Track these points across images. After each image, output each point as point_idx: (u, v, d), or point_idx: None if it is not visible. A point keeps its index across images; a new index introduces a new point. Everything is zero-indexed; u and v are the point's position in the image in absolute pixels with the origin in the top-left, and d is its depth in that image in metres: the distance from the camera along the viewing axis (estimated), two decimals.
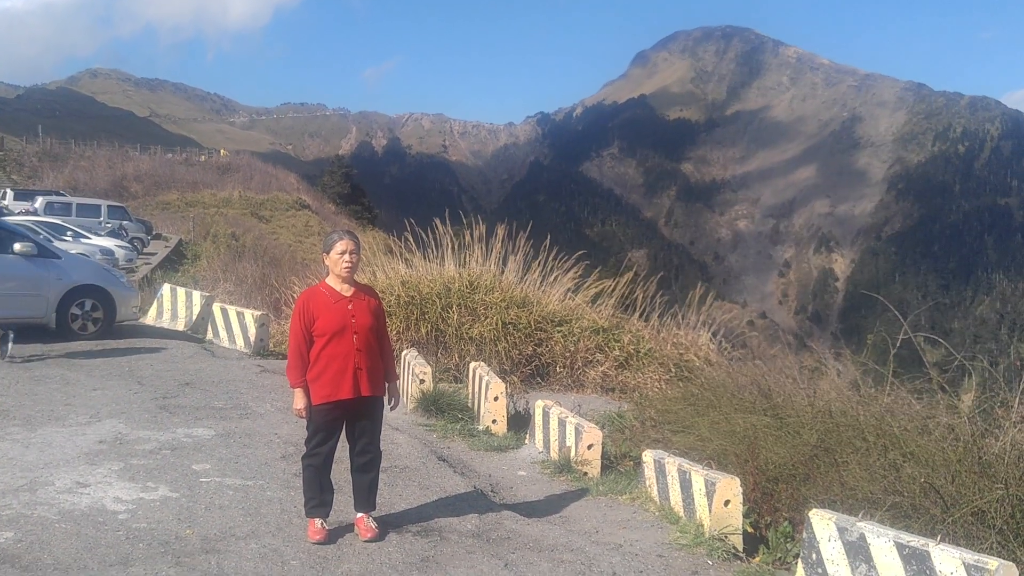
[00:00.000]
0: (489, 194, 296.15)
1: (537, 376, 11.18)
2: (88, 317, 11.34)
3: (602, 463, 7.01)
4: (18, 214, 31.49)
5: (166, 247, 34.77)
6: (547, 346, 11.17)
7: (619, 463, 7.37)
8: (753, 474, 5.95)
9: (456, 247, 12.46)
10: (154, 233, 42.28)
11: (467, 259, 12.53)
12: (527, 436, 7.91)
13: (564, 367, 11.12)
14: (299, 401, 4.82)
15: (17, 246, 10.80)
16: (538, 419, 7.69)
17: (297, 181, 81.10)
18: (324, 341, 4.79)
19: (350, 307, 4.85)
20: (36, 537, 4.53)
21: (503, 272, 12.30)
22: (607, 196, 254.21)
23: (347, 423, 4.96)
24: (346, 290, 4.91)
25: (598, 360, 11.12)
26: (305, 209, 67.26)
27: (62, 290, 11.12)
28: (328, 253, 4.92)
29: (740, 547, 5.37)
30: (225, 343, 12.44)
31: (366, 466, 5.03)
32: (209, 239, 32.85)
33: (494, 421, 8.22)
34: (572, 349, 11.11)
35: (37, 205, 32.08)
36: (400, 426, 7.96)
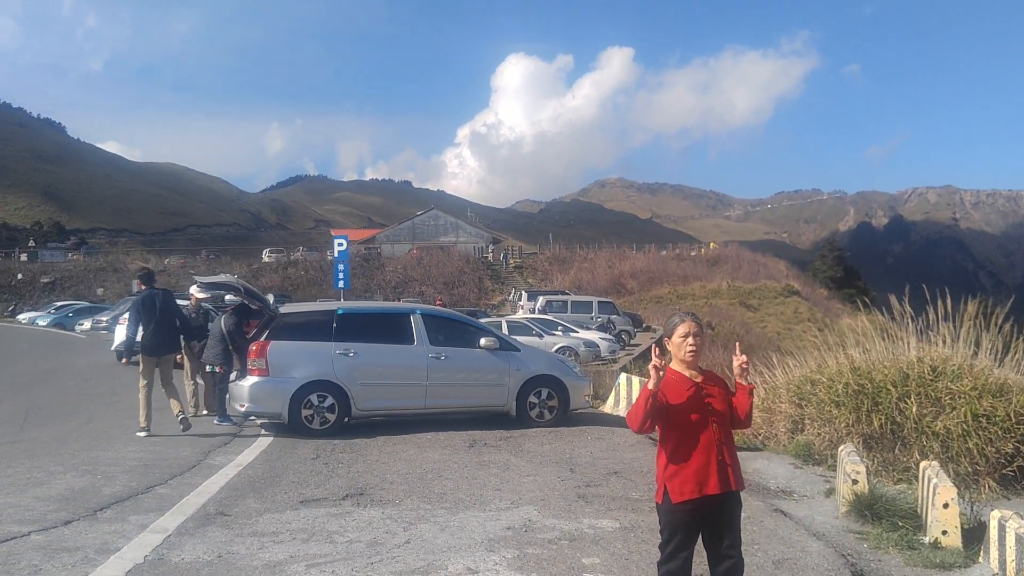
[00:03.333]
0: (1012, 268, 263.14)
1: (1022, 480, 9.25)
2: (544, 405, 12.05)
3: None
4: (523, 312, 35.33)
5: (652, 339, 36.30)
6: None
7: None
8: None
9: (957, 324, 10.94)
10: (644, 326, 44.47)
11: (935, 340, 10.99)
12: (981, 552, 6.48)
13: None
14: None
15: (483, 341, 11.94)
16: (992, 533, 6.26)
17: (787, 268, 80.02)
18: (681, 431, 4.39)
19: (703, 393, 4.41)
20: None
21: (975, 354, 10.54)
22: None
23: (706, 526, 4.45)
24: (695, 376, 4.48)
25: None
26: (794, 296, 65.93)
27: (521, 380, 12.00)
28: (670, 337, 4.54)
29: None
30: None
31: (727, 574, 4.45)
32: None
33: (944, 532, 6.89)
34: None
35: (539, 304, 35.62)
36: (822, 532, 7.05)
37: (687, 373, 4.47)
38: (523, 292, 50.28)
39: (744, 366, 4.46)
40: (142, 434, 10.60)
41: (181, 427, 10.67)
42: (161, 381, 10.85)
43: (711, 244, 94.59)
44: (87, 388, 16.09)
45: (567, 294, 46.98)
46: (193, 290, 13.13)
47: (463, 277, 68.96)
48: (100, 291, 60.61)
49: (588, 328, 29.81)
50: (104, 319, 31.77)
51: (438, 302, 61.17)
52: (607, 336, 28.91)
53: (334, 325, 11.37)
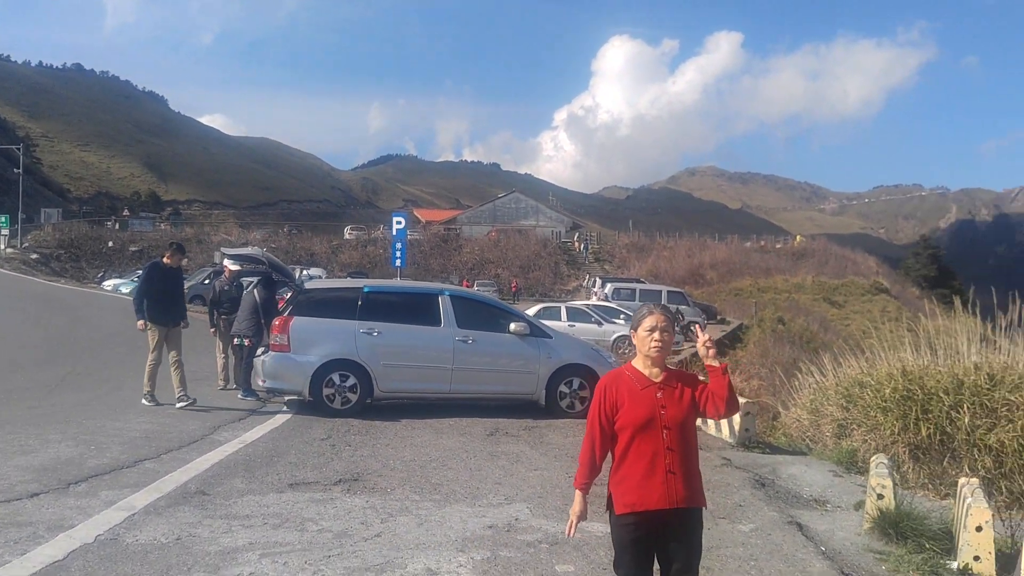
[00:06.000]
0: None
1: None
2: (575, 395, 11.57)
3: None
4: (595, 299, 34.81)
5: (722, 332, 35.31)
6: None
7: None
8: None
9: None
10: (718, 317, 43.39)
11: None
12: None
13: None
14: (576, 506, 3.97)
15: (513, 326, 11.51)
16: None
17: (877, 264, 77.20)
18: (629, 436, 3.90)
19: (659, 395, 3.90)
20: None
21: None
22: None
23: (658, 544, 3.95)
24: (656, 375, 3.97)
25: None
26: (882, 293, 63.58)
27: (552, 368, 11.54)
28: (636, 330, 4.05)
29: None
30: (712, 431, 11.74)
31: None
32: (755, 324, 32.43)
33: (976, 558, 6.18)
34: None
35: (607, 290, 34.99)
36: (838, 550, 6.40)
37: (648, 372, 3.97)
38: (597, 278, 49.55)
39: (708, 344, 3.96)
40: (147, 402, 10.55)
41: (178, 404, 10.46)
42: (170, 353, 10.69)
43: (797, 237, 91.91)
44: (134, 356, 16.25)
45: (641, 282, 46.11)
46: (227, 262, 13.04)
47: (539, 261, 68.66)
48: (184, 261, 62.17)
49: None
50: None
51: (513, 286, 61.19)
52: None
53: (359, 303, 11.09)
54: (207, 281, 26.80)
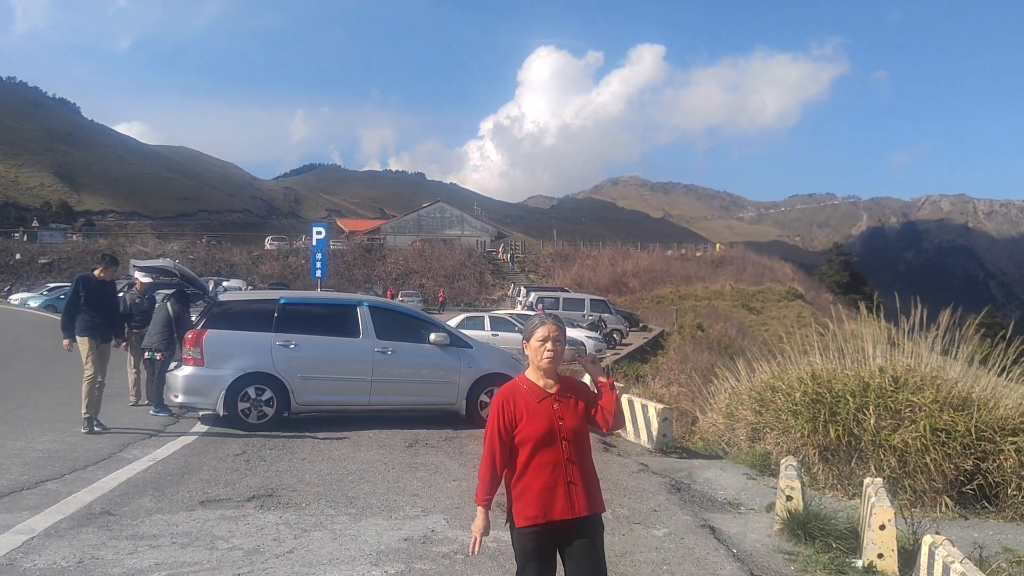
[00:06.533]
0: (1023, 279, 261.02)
1: (982, 499, 8.72)
2: None
3: None
4: (520, 308, 34.89)
5: (644, 339, 35.77)
6: (995, 461, 8.67)
7: None
8: None
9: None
10: (640, 325, 43.94)
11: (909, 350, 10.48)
12: None
13: (1020, 489, 8.50)
14: (478, 522, 3.96)
15: (433, 336, 11.47)
16: (923, 559, 5.76)
17: (792, 271, 79.21)
18: (530, 449, 3.90)
19: (556, 406, 3.92)
20: None
21: (951, 367, 10.01)
22: None
23: (562, 552, 3.96)
24: (550, 386, 3.99)
25: None
26: (798, 299, 65.23)
27: (472, 378, 11.53)
28: (528, 341, 4.06)
29: None
30: (631, 437, 11.88)
31: None
32: (676, 330, 32.96)
33: (880, 556, 6.38)
34: None
35: (531, 299, 35.13)
36: (749, 552, 6.54)
37: (542, 382, 3.98)
38: (522, 288, 49.77)
39: (595, 362, 4.02)
40: (86, 429, 9.78)
41: (84, 428, 9.80)
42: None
43: (717, 245, 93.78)
44: (43, 372, 15.71)
45: (565, 291, 46.41)
46: (137, 274, 12.68)
47: (464, 271, 68.60)
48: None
49: (578, 326, 29.23)
50: None
51: (440, 296, 60.98)
52: (595, 335, 28.38)
53: (275, 315, 10.90)
54: (120, 294, 26.03)
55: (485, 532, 3.93)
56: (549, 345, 3.92)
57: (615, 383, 4.03)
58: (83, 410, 9.82)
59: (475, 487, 3.93)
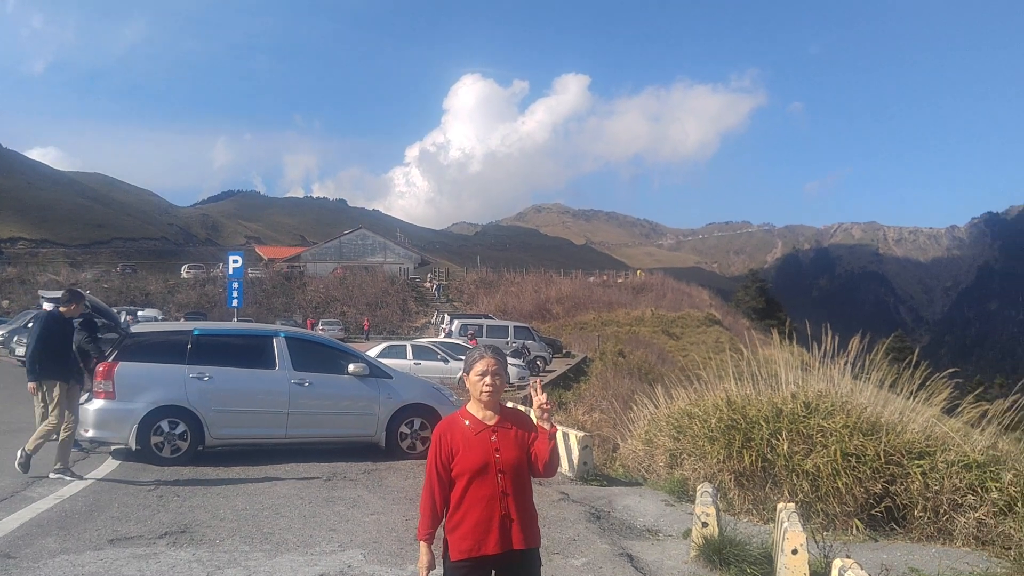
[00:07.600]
0: (931, 304, 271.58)
1: (891, 521, 9.00)
2: (417, 436, 11.50)
3: None
4: (444, 335, 34.73)
5: (567, 365, 35.99)
6: (902, 484, 8.98)
7: None
8: None
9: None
10: (564, 351, 44.20)
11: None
12: None
13: (925, 511, 8.82)
14: (423, 558, 3.93)
15: (351, 367, 11.35)
16: None
17: (710, 297, 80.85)
18: (465, 482, 3.89)
19: (493, 439, 3.92)
20: None
21: (861, 391, 10.35)
22: None
23: None
24: (489, 418, 3.99)
25: (970, 504, 8.66)
26: (716, 325, 66.51)
27: (392, 409, 11.43)
28: (468, 374, 4.05)
29: None
30: None
31: None
32: (598, 357, 33.28)
33: None
34: (936, 489, 8.80)
35: (454, 327, 35.04)
36: None
37: (481, 415, 3.97)
38: (446, 315, 49.63)
39: (544, 407, 3.87)
40: (58, 475, 9.26)
41: (21, 469, 9.30)
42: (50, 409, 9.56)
43: (638, 272, 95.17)
44: None
45: (490, 318, 46.43)
46: (45, 305, 12.28)
47: (387, 298, 68.11)
48: (5, 303, 58.17)
49: None
50: (1, 332, 30.09)
51: (365, 325, 60.34)
52: (518, 362, 28.44)
53: (189, 346, 10.66)
54: (29, 325, 25.07)
55: (431, 567, 3.87)
56: (488, 379, 3.91)
57: (554, 434, 3.97)
58: (29, 446, 9.34)
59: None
